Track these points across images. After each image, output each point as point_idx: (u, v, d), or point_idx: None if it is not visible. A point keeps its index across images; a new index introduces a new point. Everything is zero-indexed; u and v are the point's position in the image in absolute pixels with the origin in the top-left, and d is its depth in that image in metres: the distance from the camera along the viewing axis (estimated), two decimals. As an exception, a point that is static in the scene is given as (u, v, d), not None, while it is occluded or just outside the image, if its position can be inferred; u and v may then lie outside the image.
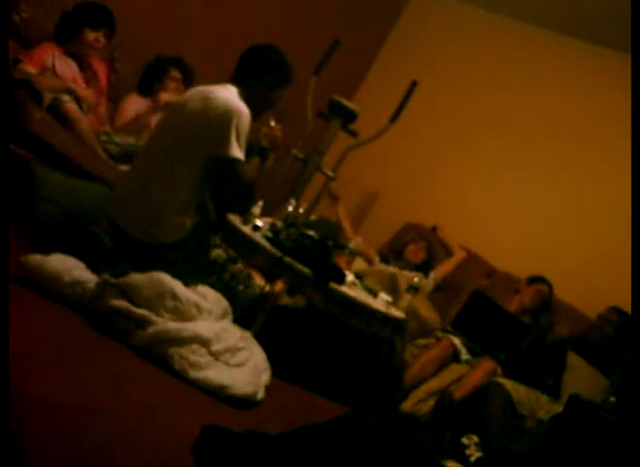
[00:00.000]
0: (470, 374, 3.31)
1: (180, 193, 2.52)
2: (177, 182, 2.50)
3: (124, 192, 2.60)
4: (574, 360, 3.40)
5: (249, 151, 2.59)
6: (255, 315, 2.61)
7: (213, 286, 2.42)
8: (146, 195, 2.50)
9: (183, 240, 2.55)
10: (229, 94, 2.51)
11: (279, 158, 3.22)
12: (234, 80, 2.61)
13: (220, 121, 2.44)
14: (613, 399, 2.47)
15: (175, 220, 2.53)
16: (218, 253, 2.62)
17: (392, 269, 3.99)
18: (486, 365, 3.35)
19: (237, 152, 2.46)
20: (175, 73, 3.67)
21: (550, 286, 3.85)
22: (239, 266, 2.64)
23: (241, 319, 2.46)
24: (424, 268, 4.25)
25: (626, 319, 3.47)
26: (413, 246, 4.31)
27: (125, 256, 2.46)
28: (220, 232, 2.79)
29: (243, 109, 2.47)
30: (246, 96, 2.55)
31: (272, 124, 2.79)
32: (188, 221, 2.57)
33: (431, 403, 3.27)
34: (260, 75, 2.62)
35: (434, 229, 4.56)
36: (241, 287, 2.60)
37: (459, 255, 4.39)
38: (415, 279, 3.60)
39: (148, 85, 3.68)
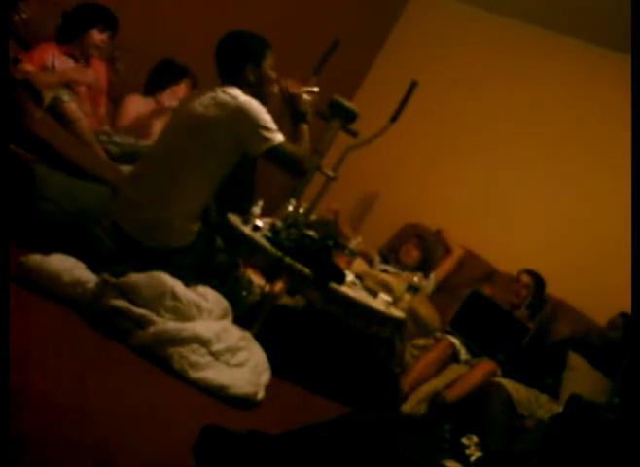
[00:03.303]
0: (467, 374, 3.30)
1: (195, 198, 2.54)
2: (193, 188, 2.52)
3: (132, 195, 2.58)
4: (574, 360, 3.40)
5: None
6: (255, 315, 2.61)
7: (216, 290, 2.42)
8: (158, 199, 2.50)
9: (190, 245, 2.55)
10: (234, 94, 2.55)
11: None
12: (227, 82, 2.63)
13: (241, 123, 2.50)
14: (616, 400, 2.47)
15: (185, 224, 2.54)
16: (222, 258, 2.63)
17: (385, 275, 3.97)
18: (486, 366, 3.34)
19: (274, 138, 2.52)
20: (189, 83, 3.70)
21: (534, 277, 3.88)
22: (242, 271, 2.66)
23: (241, 319, 2.46)
24: (423, 267, 4.24)
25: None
26: (405, 246, 4.32)
27: (129, 260, 2.46)
28: (221, 232, 2.80)
29: (251, 101, 2.53)
30: (246, 90, 2.59)
31: (275, 87, 2.77)
32: (196, 225, 2.58)
33: (431, 403, 3.27)
34: (241, 66, 2.65)
35: (438, 231, 4.56)
36: (244, 293, 2.62)
37: (457, 253, 4.39)
38: (415, 279, 3.60)
39: (156, 86, 3.69)
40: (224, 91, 2.55)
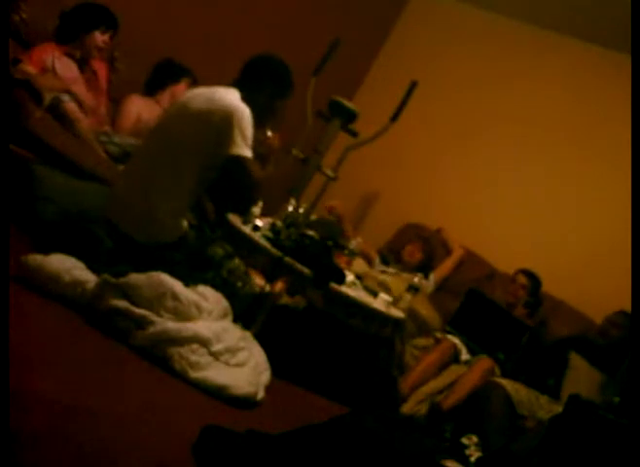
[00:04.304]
0: (463, 378, 3.28)
1: (180, 192, 2.53)
2: (178, 182, 2.51)
3: (122, 192, 2.60)
4: (575, 360, 3.40)
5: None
6: (255, 315, 2.61)
7: (211, 283, 2.42)
8: (146, 195, 2.50)
9: (181, 240, 2.55)
10: (231, 96, 2.55)
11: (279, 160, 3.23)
12: (237, 86, 2.63)
13: (224, 121, 2.48)
14: (616, 399, 2.46)
15: (174, 219, 2.54)
16: (215, 250, 2.62)
17: (384, 276, 3.96)
18: (483, 366, 3.33)
19: (244, 150, 2.50)
20: (189, 82, 3.71)
21: (530, 277, 3.87)
22: (236, 261, 2.64)
23: (241, 319, 2.46)
24: (423, 268, 4.24)
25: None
26: (410, 247, 4.31)
27: (124, 257, 2.46)
28: (219, 231, 2.80)
29: (245, 109, 2.52)
30: (247, 103, 2.57)
31: (269, 134, 2.82)
32: (184, 221, 2.57)
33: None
34: (261, 84, 2.65)
35: (438, 231, 4.56)
36: (240, 283, 2.61)
37: (457, 253, 4.39)
38: (415, 279, 3.60)
39: (156, 86, 3.69)
40: (223, 91, 2.55)
